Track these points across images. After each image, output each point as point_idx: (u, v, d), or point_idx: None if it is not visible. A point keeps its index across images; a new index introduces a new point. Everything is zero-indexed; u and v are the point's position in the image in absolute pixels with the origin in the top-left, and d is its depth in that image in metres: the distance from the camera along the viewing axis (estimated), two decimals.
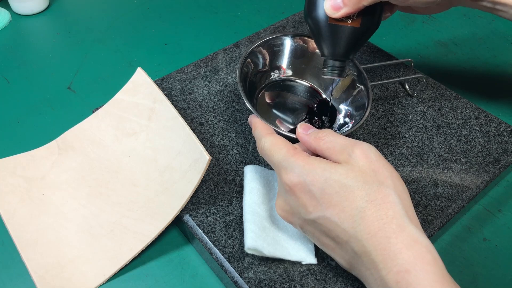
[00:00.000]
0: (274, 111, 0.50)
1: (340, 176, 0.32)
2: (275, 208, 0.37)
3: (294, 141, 0.48)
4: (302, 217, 0.34)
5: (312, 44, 0.51)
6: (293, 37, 0.51)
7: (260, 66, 0.50)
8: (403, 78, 0.52)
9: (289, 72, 0.52)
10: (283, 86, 0.52)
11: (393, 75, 0.56)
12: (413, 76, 0.52)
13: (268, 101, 0.51)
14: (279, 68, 0.52)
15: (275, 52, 0.51)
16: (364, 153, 0.33)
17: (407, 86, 0.54)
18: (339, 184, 0.32)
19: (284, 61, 0.52)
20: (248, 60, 0.48)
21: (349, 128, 0.45)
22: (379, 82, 0.51)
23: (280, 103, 0.51)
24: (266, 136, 0.38)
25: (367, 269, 0.31)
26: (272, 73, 0.52)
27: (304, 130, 0.38)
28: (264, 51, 0.50)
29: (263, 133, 0.38)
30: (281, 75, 0.52)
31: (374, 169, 0.32)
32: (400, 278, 0.29)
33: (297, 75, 0.52)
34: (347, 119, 0.48)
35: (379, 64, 0.53)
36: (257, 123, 0.40)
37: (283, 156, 0.35)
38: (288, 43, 0.51)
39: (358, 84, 0.48)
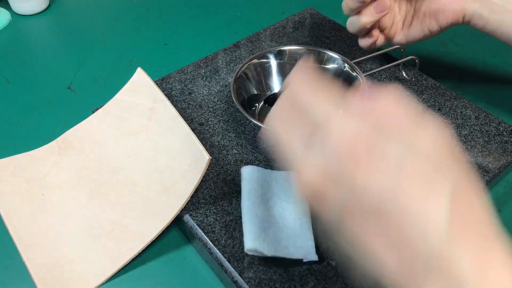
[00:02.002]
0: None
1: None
2: (305, 173, 0.25)
3: None
4: (355, 187, 0.23)
5: (296, 54, 0.52)
6: (276, 54, 0.51)
7: (252, 90, 0.51)
8: (396, 62, 0.52)
9: (281, 87, 0.52)
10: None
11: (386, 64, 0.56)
12: (406, 59, 0.52)
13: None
14: (270, 87, 0.52)
15: (263, 72, 0.51)
16: None
17: (403, 72, 0.54)
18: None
19: (274, 79, 0.52)
20: (239, 85, 0.49)
21: None
22: (372, 71, 0.51)
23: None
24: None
25: (437, 282, 0.21)
26: (264, 93, 0.52)
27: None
28: (252, 73, 0.51)
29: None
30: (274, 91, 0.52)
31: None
32: None
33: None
34: None
35: (369, 55, 0.53)
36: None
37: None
38: (273, 61, 0.52)
39: (352, 77, 0.49)
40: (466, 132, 0.49)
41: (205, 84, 0.54)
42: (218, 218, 0.41)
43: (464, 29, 0.69)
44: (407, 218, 0.21)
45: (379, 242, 0.22)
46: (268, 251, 0.37)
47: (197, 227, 0.40)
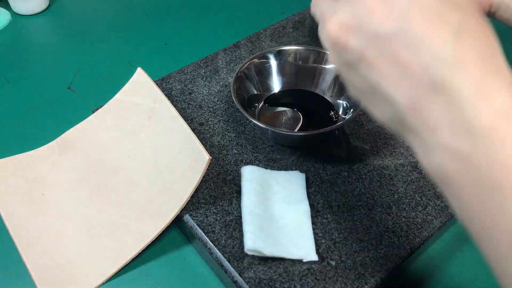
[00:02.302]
0: (277, 121, 0.50)
1: None
2: (328, 27, 0.27)
3: (297, 140, 0.48)
4: (371, 32, 0.25)
5: (296, 54, 0.51)
6: (276, 54, 0.51)
7: (252, 90, 0.51)
8: None
9: (281, 87, 0.52)
10: (280, 99, 0.52)
11: None
12: None
13: (269, 115, 0.51)
14: (270, 87, 0.52)
15: (263, 72, 0.51)
16: None
17: None
18: None
19: (274, 79, 0.52)
20: (238, 85, 0.48)
21: (351, 115, 0.46)
22: None
23: (280, 114, 0.51)
24: None
25: (441, 108, 0.23)
26: (264, 93, 0.52)
27: None
28: (252, 73, 0.50)
29: None
30: (274, 91, 0.52)
31: None
32: (497, 120, 0.22)
33: (290, 86, 0.52)
34: (348, 111, 0.49)
35: None
36: None
37: None
38: (273, 61, 0.51)
39: None
40: None
41: (205, 84, 0.54)
42: (218, 218, 0.41)
43: None
44: (415, 50, 0.23)
45: (391, 80, 0.25)
46: (268, 251, 0.37)
47: (197, 227, 0.40)
